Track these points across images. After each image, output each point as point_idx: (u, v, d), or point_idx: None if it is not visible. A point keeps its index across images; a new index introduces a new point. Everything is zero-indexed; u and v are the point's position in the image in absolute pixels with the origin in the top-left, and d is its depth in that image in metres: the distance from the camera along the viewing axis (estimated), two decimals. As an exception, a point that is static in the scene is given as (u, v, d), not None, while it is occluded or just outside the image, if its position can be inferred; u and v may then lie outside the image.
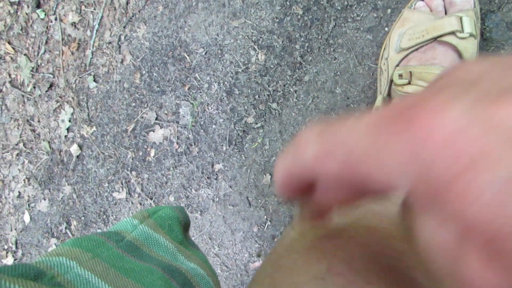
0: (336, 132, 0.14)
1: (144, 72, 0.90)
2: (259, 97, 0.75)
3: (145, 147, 0.91)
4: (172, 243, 0.32)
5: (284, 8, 0.72)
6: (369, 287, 0.20)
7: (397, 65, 0.56)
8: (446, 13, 0.56)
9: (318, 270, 0.21)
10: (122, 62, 0.93)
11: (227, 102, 0.79)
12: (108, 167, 0.97)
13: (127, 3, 0.91)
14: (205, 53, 0.81)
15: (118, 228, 0.32)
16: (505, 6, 0.58)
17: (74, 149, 1.02)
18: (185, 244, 0.34)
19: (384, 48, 0.61)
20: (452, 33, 0.52)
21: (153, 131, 0.89)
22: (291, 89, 0.72)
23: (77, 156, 1.02)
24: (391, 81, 0.55)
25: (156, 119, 0.89)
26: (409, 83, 0.51)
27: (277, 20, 0.73)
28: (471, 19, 0.53)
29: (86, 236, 0.30)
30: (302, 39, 0.71)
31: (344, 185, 0.15)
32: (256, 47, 0.75)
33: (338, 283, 0.20)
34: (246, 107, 0.77)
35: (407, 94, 0.50)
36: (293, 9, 0.71)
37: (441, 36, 0.53)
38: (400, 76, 0.52)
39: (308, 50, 0.70)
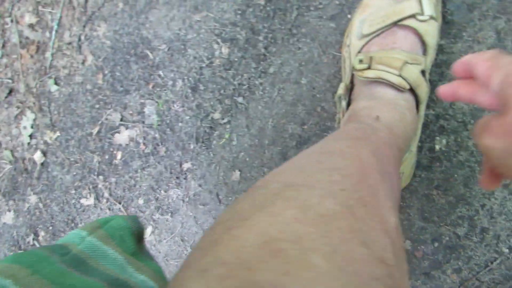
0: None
1: (106, 72, 0.86)
2: (224, 91, 0.73)
3: (111, 149, 0.88)
4: (122, 254, 0.31)
5: (245, -1, 0.70)
6: (251, 272, 0.19)
7: (359, 52, 0.54)
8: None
9: (204, 262, 0.21)
10: (83, 63, 0.89)
11: (192, 98, 0.76)
12: (74, 173, 0.93)
13: (86, 1, 0.88)
14: (168, 49, 0.78)
15: (65, 240, 0.30)
16: (465, -11, 0.58)
17: (38, 156, 0.98)
18: (137, 255, 0.33)
19: (347, 36, 0.59)
20: (413, 16, 0.51)
21: (119, 133, 0.86)
22: (257, 82, 0.70)
23: (42, 164, 0.98)
24: (353, 67, 0.54)
25: (121, 120, 0.85)
26: (369, 67, 0.49)
27: (240, 11, 0.71)
28: (431, 1, 0.52)
29: (28, 250, 0.28)
30: (266, 30, 0.69)
31: (470, 86, 0.33)
32: (219, 40, 0.73)
33: (219, 272, 0.20)
34: (212, 103, 0.74)
35: (367, 79, 0.49)
36: (255, 0, 0.70)
37: (401, 20, 0.52)
38: (361, 61, 0.50)
39: (272, 41, 0.68)
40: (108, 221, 0.33)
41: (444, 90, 0.35)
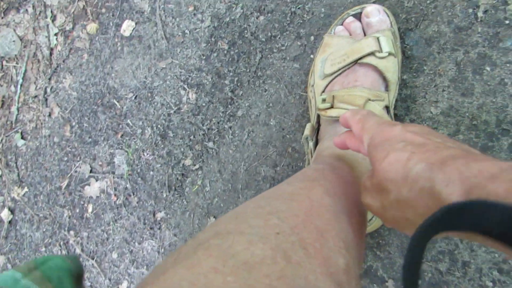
0: (379, 125, 0.31)
1: (74, 123, 0.84)
2: (194, 137, 0.71)
3: (82, 203, 0.84)
4: None
5: (209, 44, 0.70)
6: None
7: (323, 91, 0.54)
8: (365, 35, 0.56)
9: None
10: (50, 115, 0.87)
11: (162, 146, 0.74)
12: (44, 230, 0.89)
13: (51, 54, 0.87)
14: (135, 97, 0.77)
15: None
16: (422, 23, 0.59)
17: (5, 214, 0.94)
18: None
19: (311, 76, 0.59)
20: (372, 53, 0.52)
21: (89, 185, 0.83)
22: (226, 126, 0.69)
23: (9, 222, 0.93)
24: (317, 107, 0.53)
25: (91, 171, 0.83)
26: (332, 106, 0.49)
27: (204, 57, 0.71)
28: (388, 39, 0.53)
29: None
30: (231, 73, 0.69)
31: (355, 138, 0.36)
32: (186, 86, 0.72)
33: None
34: (182, 149, 0.73)
35: (331, 118, 0.48)
36: (219, 45, 0.70)
37: (361, 58, 0.52)
38: (324, 100, 0.50)
39: (238, 84, 0.68)
40: (46, 261, 0.31)
41: (335, 140, 0.40)
